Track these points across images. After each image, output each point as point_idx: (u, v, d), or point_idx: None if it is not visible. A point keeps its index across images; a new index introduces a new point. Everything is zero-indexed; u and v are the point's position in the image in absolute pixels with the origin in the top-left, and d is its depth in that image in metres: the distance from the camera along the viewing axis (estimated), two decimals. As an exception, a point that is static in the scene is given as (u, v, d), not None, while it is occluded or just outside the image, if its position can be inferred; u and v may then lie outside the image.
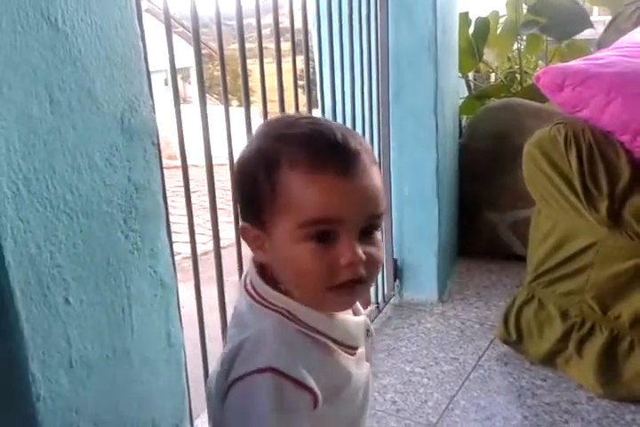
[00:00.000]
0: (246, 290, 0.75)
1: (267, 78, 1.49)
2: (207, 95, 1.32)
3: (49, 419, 0.76)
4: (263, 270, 0.76)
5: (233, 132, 1.35)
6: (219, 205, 1.37)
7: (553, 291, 1.88)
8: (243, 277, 0.79)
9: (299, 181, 0.67)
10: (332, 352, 0.72)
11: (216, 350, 1.35)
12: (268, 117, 0.78)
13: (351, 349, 0.75)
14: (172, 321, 0.98)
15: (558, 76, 1.80)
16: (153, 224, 0.93)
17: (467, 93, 3.27)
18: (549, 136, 1.79)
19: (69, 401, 0.79)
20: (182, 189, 1.26)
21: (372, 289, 2.22)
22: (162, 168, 0.98)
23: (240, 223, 0.75)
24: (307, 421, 0.68)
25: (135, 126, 0.88)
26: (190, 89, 12.80)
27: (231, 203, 1.39)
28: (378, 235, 0.72)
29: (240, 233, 0.74)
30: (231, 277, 1.43)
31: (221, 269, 1.38)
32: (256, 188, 0.70)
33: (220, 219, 1.37)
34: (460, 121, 3.07)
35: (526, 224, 2.01)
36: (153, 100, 0.94)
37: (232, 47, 1.41)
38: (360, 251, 0.68)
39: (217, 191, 1.35)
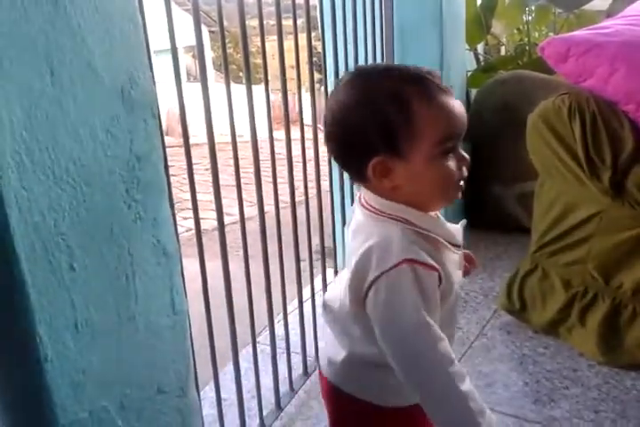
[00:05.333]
0: (363, 205, 0.91)
1: (278, 56, 1.51)
2: (218, 73, 1.33)
3: (56, 378, 0.80)
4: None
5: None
6: (227, 182, 1.40)
7: (556, 261, 1.89)
8: (357, 198, 0.94)
9: (429, 110, 0.82)
10: (442, 247, 0.88)
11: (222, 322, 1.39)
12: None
13: (455, 246, 0.90)
14: (176, 289, 1.01)
15: (562, 47, 1.79)
16: (155, 195, 0.96)
17: (475, 66, 3.24)
18: (554, 107, 1.79)
19: (76, 362, 0.83)
20: (195, 165, 1.28)
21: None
22: (163, 139, 1.00)
23: (372, 159, 0.84)
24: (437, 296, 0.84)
25: (135, 98, 0.90)
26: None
27: (235, 177, 1.40)
28: None
29: (374, 167, 0.84)
30: (240, 252, 1.46)
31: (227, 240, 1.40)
32: (388, 123, 0.82)
33: (231, 196, 1.40)
34: (469, 94, 3.05)
35: (533, 197, 2.02)
36: (153, 73, 0.96)
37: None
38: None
39: (223, 168, 1.36)
